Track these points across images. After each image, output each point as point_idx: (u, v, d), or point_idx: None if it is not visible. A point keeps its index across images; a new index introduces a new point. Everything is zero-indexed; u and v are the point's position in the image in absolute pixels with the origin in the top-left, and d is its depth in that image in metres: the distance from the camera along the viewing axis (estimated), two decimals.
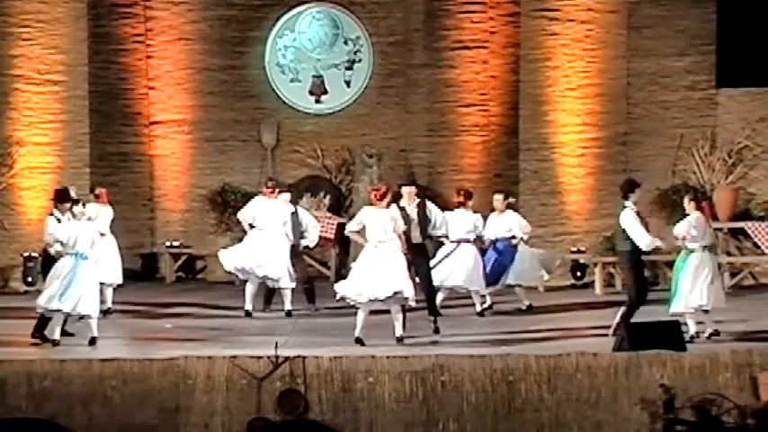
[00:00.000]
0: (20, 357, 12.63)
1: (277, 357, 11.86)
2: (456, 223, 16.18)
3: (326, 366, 11.92)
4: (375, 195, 14.39)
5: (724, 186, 19.91)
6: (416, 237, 14.66)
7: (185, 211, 21.59)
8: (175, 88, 21.57)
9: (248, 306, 16.50)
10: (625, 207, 14.65)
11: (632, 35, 20.13)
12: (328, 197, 20.96)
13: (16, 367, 12.07)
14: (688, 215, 14.70)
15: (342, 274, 20.84)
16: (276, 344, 11.99)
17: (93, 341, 14.11)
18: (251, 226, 16.75)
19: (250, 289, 16.58)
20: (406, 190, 15.04)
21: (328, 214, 20.63)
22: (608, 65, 19.89)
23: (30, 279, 19.18)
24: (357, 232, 14.47)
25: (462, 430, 11.85)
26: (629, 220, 14.53)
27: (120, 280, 16.68)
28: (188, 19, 21.52)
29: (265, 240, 16.57)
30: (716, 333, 14.08)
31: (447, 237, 16.14)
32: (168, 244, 21.21)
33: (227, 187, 21.07)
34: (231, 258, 16.72)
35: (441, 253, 16.38)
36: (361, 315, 13.94)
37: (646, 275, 15.31)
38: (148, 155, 21.53)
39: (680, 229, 14.52)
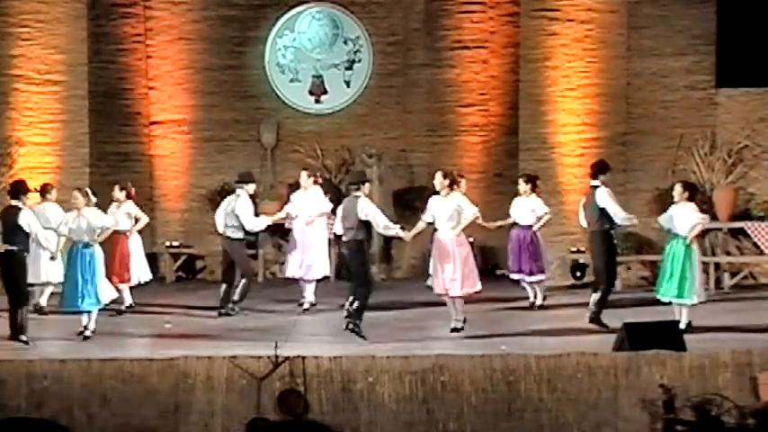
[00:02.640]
0: (20, 357, 12.63)
1: (277, 357, 11.86)
2: (519, 210, 16.84)
3: (326, 366, 11.93)
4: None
5: (724, 186, 19.91)
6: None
7: (185, 211, 21.60)
8: (175, 88, 21.57)
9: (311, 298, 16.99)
10: (598, 186, 14.74)
11: (632, 35, 20.13)
12: (328, 197, 20.91)
13: (16, 367, 12.07)
14: (675, 203, 14.76)
15: (342, 274, 20.90)
16: (276, 344, 11.99)
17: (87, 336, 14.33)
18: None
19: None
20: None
21: None
22: (608, 65, 19.89)
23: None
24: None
25: (462, 430, 11.85)
26: (605, 198, 14.67)
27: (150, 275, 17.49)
28: (188, 19, 21.52)
29: (306, 236, 16.96)
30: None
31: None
32: (168, 244, 21.22)
33: (227, 187, 20.99)
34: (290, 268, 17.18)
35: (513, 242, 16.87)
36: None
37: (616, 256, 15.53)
38: (148, 155, 21.54)
39: (692, 221, 14.56)
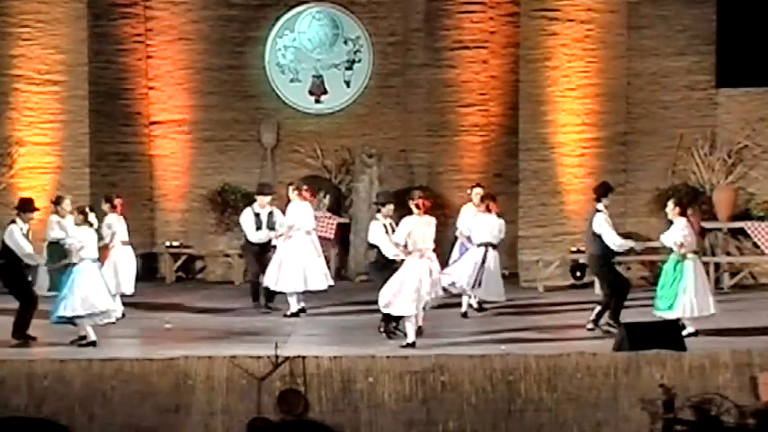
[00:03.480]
0: (20, 357, 12.64)
1: (277, 357, 11.86)
2: (481, 227, 16.32)
3: (326, 366, 11.92)
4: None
5: (724, 186, 19.91)
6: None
7: (185, 211, 21.59)
8: (175, 88, 21.57)
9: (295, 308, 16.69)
10: (598, 210, 14.79)
11: (632, 35, 20.13)
12: (328, 197, 20.96)
13: (16, 367, 12.07)
14: (672, 221, 14.77)
15: (342, 274, 20.91)
16: (276, 344, 11.99)
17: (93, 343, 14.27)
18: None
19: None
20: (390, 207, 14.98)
21: (328, 214, 20.64)
22: (608, 65, 19.89)
23: (29, 279, 19.10)
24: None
25: (462, 430, 11.85)
26: (601, 223, 14.74)
27: (132, 289, 16.72)
28: (188, 19, 21.52)
29: (304, 249, 16.79)
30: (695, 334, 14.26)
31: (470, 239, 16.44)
32: (168, 244, 21.23)
33: (227, 187, 21.08)
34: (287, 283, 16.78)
35: (470, 258, 16.31)
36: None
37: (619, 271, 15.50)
38: (148, 155, 21.53)
39: (675, 237, 14.56)
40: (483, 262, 16.16)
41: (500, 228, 16.43)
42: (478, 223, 16.46)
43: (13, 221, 14.67)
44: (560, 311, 16.91)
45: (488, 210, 16.45)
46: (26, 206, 14.90)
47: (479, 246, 16.30)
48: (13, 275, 14.63)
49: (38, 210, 15.22)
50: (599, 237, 14.79)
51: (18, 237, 14.50)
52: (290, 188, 17.21)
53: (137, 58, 21.41)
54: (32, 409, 11.79)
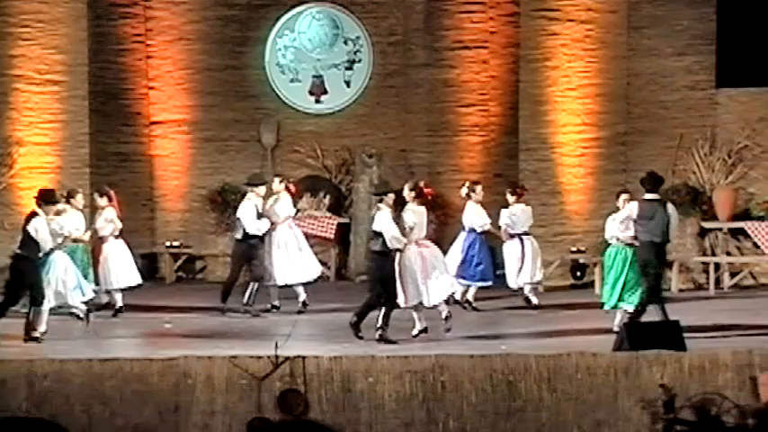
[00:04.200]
0: (20, 357, 12.63)
1: (277, 357, 11.86)
2: (522, 216, 17.00)
3: (326, 366, 11.92)
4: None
5: (724, 186, 19.92)
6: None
7: (185, 211, 21.60)
8: (175, 88, 21.57)
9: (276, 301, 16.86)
10: (666, 201, 14.68)
11: (632, 35, 20.14)
12: (328, 197, 20.97)
13: (16, 367, 12.06)
14: (619, 207, 14.82)
15: (342, 274, 20.93)
16: (276, 344, 11.99)
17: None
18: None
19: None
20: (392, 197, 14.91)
21: (328, 214, 20.65)
22: (608, 65, 19.90)
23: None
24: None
25: (462, 430, 11.85)
26: (675, 214, 14.64)
27: (139, 279, 16.99)
28: (188, 19, 21.53)
29: (287, 242, 16.89)
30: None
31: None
32: (168, 244, 21.23)
33: (227, 187, 21.07)
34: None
35: (512, 251, 16.90)
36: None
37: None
38: (148, 155, 21.54)
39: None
40: (523, 249, 16.93)
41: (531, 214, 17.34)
42: (519, 213, 17.05)
43: (36, 214, 14.56)
44: (560, 311, 16.91)
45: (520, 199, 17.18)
46: (49, 198, 14.81)
47: (513, 236, 16.95)
48: (29, 269, 14.54)
49: (59, 202, 15.21)
50: (668, 226, 14.58)
51: (45, 232, 14.46)
52: (277, 179, 17.26)
53: (137, 58, 21.41)
54: (32, 409, 11.78)
